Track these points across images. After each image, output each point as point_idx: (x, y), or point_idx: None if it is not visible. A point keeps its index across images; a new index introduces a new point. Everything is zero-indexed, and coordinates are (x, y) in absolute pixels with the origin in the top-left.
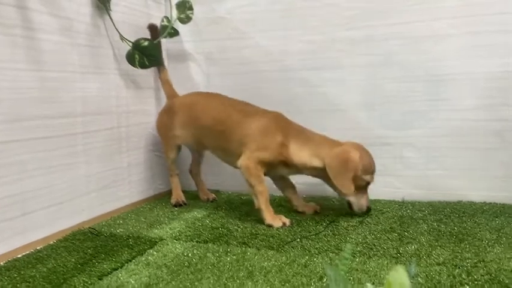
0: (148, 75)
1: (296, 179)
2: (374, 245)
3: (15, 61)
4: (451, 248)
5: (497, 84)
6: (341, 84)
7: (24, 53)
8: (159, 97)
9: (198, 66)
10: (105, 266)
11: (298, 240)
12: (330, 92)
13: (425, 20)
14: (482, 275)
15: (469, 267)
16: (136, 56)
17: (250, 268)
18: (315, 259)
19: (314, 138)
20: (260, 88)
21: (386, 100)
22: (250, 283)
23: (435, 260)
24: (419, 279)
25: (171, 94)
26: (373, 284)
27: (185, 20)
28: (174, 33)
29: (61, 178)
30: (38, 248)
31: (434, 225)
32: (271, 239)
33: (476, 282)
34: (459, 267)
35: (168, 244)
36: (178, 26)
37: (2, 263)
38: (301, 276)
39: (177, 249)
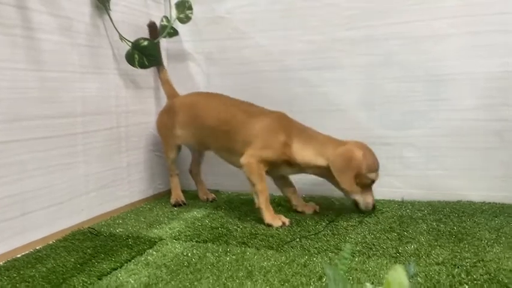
0: (147, 75)
1: (296, 179)
2: (373, 244)
3: (15, 61)
4: (451, 247)
5: (497, 84)
6: (341, 84)
7: (23, 52)
8: (158, 97)
9: (198, 66)
10: (104, 266)
11: (298, 240)
12: (330, 92)
13: (426, 20)
14: (482, 275)
15: (468, 267)
16: (136, 55)
17: (249, 268)
18: (314, 259)
19: (318, 137)
20: (260, 88)
21: (386, 100)
22: (249, 283)
23: (434, 259)
24: (418, 278)
25: (172, 94)
26: (372, 283)
27: (185, 19)
28: (174, 33)
29: (60, 178)
30: (37, 247)
31: (434, 225)
32: (270, 238)
33: (475, 282)
34: (458, 267)
35: (167, 244)
36: (178, 25)
37: (1, 263)
38: (301, 275)
39: (177, 249)
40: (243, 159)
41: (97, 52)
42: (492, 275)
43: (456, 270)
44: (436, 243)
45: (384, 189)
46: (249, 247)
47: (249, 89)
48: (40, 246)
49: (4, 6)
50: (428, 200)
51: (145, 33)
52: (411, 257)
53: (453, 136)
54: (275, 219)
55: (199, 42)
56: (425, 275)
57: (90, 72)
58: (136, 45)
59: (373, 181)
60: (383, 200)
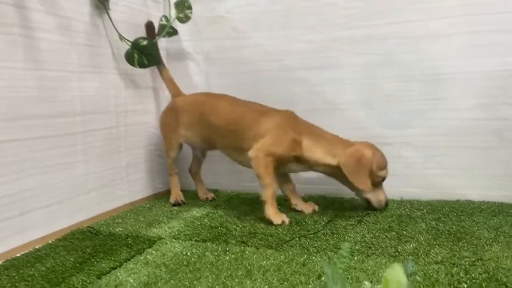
0: (147, 74)
1: (295, 178)
2: (372, 243)
3: (14, 60)
4: (449, 246)
5: (496, 83)
6: (340, 83)
7: (22, 51)
8: (157, 96)
9: (197, 66)
10: (103, 265)
11: (297, 239)
12: (329, 91)
13: (425, 20)
14: (480, 274)
15: (467, 266)
16: (135, 55)
17: (248, 267)
18: (313, 258)
19: (327, 136)
20: (259, 88)
21: (385, 99)
22: (248, 282)
23: (433, 258)
24: (417, 277)
25: (176, 92)
26: (371, 282)
27: (184, 19)
28: (173, 32)
29: (60, 177)
30: (36, 247)
31: (433, 224)
32: (269, 238)
33: (474, 281)
34: (457, 266)
35: (166, 243)
36: (177, 25)
37: (0, 262)
38: (300, 274)
39: (176, 248)
40: (251, 153)
41: (96, 51)
42: (491, 273)
43: (455, 269)
44: (435, 242)
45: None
46: (248, 246)
47: (248, 89)
48: (39, 246)
49: (3, 5)
50: (427, 199)
51: (144, 32)
52: (410, 256)
53: (452, 135)
54: (276, 216)
55: (199, 42)
56: (424, 273)
57: (89, 71)
58: (135, 45)
59: (383, 179)
60: None
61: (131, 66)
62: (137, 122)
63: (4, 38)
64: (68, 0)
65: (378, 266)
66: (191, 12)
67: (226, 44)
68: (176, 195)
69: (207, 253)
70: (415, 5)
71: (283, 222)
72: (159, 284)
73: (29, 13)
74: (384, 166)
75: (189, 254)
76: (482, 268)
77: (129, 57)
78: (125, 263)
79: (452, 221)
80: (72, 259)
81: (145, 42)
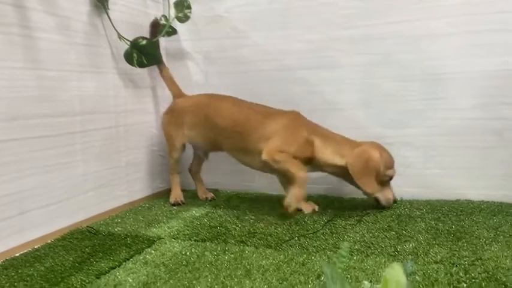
0: (146, 74)
1: None
2: (372, 243)
3: (13, 60)
4: (449, 246)
5: (496, 82)
6: (339, 83)
7: (21, 51)
8: (157, 96)
9: (197, 65)
10: (103, 264)
11: (296, 238)
12: (328, 91)
13: (424, 19)
14: (480, 273)
15: (467, 266)
16: (135, 55)
17: (248, 266)
18: (312, 257)
19: (334, 137)
20: (259, 87)
21: (384, 99)
22: (248, 281)
23: (433, 258)
24: (416, 277)
25: (177, 92)
26: (370, 281)
27: (183, 18)
28: (172, 32)
29: (59, 177)
30: (35, 246)
31: (432, 224)
32: (269, 237)
33: (473, 280)
34: (457, 266)
35: (166, 243)
36: (177, 24)
37: None
38: (299, 274)
39: (175, 248)
40: (264, 155)
41: (95, 51)
42: (490, 273)
43: (454, 268)
44: (434, 242)
45: None
46: (247, 246)
47: (247, 88)
48: (38, 245)
49: (2, 5)
50: (427, 199)
51: (144, 32)
52: (409, 256)
53: (452, 135)
54: (307, 205)
55: (198, 41)
56: (424, 273)
57: (88, 71)
58: (135, 44)
59: (391, 177)
60: None
61: (130, 66)
62: (136, 121)
63: (3, 38)
64: (67, 0)
65: (377, 265)
66: (190, 12)
67: (225, 44)
68: (176, 195)
69: (206, 253)
70: (415, 4)
71: (313, 210)
72: (158, 284)
73: (28, 13)
74: (391, 165)
75: (188, 253)
76: (481, 268)
77: (128, 57)
78: (124, 263)
79: (451, 221)
80: (71, 259)
81: (144, 42)
